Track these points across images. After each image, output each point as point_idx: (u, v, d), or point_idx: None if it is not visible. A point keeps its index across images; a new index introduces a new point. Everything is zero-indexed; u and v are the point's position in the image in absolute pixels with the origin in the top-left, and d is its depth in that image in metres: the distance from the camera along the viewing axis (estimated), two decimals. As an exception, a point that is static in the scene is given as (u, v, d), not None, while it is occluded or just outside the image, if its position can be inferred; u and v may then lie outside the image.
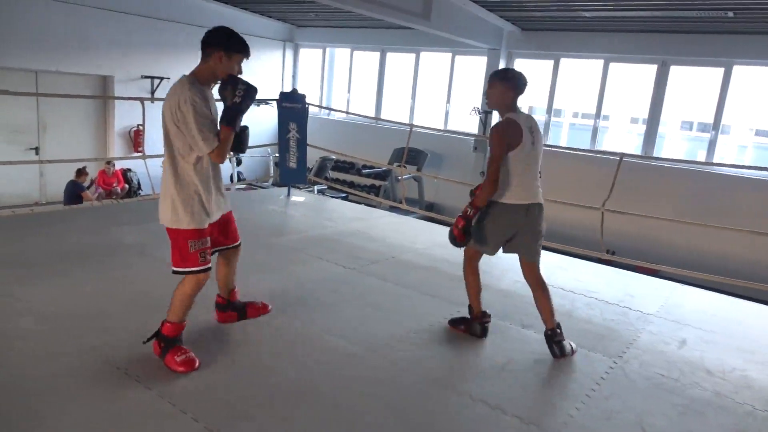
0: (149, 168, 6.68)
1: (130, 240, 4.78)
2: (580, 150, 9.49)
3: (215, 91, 2.80)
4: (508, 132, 3.05)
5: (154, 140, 10.26)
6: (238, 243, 3.16)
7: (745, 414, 2.92)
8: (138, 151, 10.83)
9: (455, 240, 3.21)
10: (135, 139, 11.21)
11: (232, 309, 3.32)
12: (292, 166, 6.82)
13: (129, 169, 11.03)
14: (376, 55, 13.03)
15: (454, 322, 3.55)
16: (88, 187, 9.82)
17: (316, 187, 10.30)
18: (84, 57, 10.34)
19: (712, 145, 9.38)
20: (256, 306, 3.44)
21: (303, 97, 6.77)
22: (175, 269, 2.79)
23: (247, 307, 3.38)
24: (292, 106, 6.73)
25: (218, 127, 2.69)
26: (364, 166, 11.67)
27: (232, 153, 2.92)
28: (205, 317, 3.35)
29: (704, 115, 9.73)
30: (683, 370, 3.32)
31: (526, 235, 3.21)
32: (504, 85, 3.13)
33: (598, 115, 10.40)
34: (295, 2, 11.11)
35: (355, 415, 2.60)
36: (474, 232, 3.22)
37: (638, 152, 9.95)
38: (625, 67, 10.19)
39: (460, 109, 11.86)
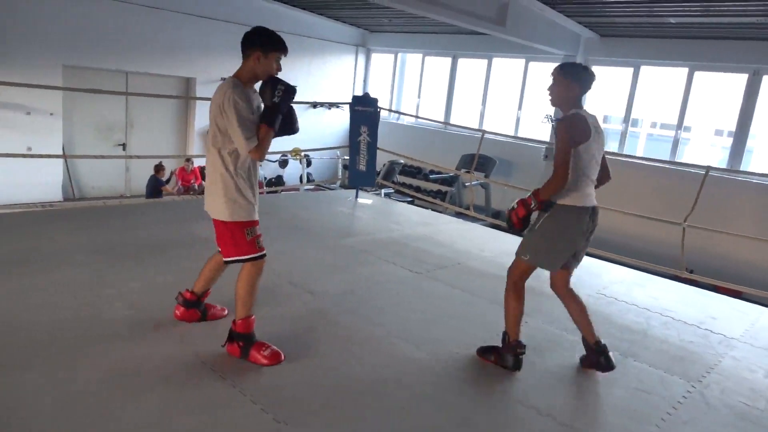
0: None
1: (205, 234, 4.97)
2: (664, 162, 9.05)
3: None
4: (576, 126, 2.85)
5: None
6: None
7: (842, 453, 2.69)
8: (215, 150, 11.30)
9: (512, 226, 3.00)
10: (212, 138, 11.70)
11: (198, 308, 3.21)
12: (362, 168, 6.91)
13: (206, 167, 11.52)
14: (448, 60, 12.99)
15: (484, 351, 3.16)
16: (167, 181, 10.35)
17: (383, 191, 10.37)
18: (170, 60, 10.94)
19: (807, 161, 8.73)
20: (216, 309, 3.31)
21: (375, 101, 6.85)
22: (229, 259, 2.87)
23: (208, 309, 3.27)
24: (364, 110, 6.82)
25: (258, 127, 2.73)
26: (432, 171, 11.65)
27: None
28: (272, 313, 3.44)
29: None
30: (770, 401, 3.10)
31: (585, 242, 2.99)
32: (569, 80, 2.94)
33: (679, 125, 9.90)
34: (369, 8, 11.26)
35: (418, 419, 2.59)
36: (535, 247, 2.94)
37: (723, 166, 9.39)
38: (712, 76, 9.65)
39: (532, 116, 11.62)
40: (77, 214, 5.47)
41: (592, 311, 3.99)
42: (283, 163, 12.21)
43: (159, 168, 10.15)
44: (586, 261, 5.54)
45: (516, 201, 3.00)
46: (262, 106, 2.77)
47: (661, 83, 10.27)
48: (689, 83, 9.70)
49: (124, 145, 10.99)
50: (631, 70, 10.35)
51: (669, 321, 4.13)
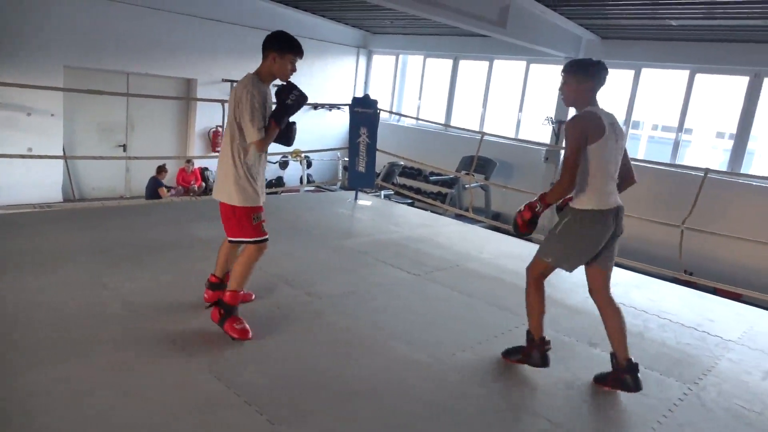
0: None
1: (204, 235, 4.99)
2: (662, 164, 9.03)
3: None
4: (587, 123, 2.69)
5: (231, 141, 10.79)
6: None
7: (838, 457, 2.68)
8: (216, 151, 11.33)
9: (518, 229, 2.96)
10: (213, 140, 11.74)
11: (222, 290, 3.28)
12: (361, 170, 6.91)
13: (207, 168, 11.56)
14: (449, 62, 13.00)
15: (509, 353, 3.16)
16: (169, 189, 10.39)
17: (383, 192, 10.38)
18: (171, 61, 10.95)
19: (808, 164, 8.71)
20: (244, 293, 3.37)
21: (375, 102, 6.85)
22: (234, 239, 3.12)
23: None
24: (363, 111, 6.82)
25: (267, 122, 2.99)
26: (432, 173, 11.65)
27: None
28: (269, 314, 3.45)
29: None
30: (767, 404, 3.09)
31: (613, 242, 2.84)
32: (580, 77, 2.76)
33: (680, 128, 9.90)
34: (371, 9, 11.28)
35: (414, 422, 2.59)
36: (554, 247, 2.89)
37: (724, 168, 9.38)
38: (713, 79, 9.64)
39: (533, 118, 11.62)
40: (77, 215, 5.48)
41: (590, 313, 3.99)
42: (284, 164, 12.23)
43: (161, 169, 10.18)
44: (585, 263, 5.55)
45: (523, 204, 2.95)
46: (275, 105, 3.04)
47: (662, 85, 10.26)
48: (690, 85, 9.69)
49: (124, 146, 11.00)
50: (632, 72, 10.35)
51: (666, 323, 4.13)
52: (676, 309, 4.45)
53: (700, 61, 9.45)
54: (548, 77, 11.38)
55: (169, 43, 10.79)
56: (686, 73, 9.71)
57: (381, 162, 9.09)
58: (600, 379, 3.01)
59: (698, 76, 9.63)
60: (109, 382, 2.58)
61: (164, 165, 10.20)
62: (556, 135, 10.75)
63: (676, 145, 9.95)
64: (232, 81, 11.71)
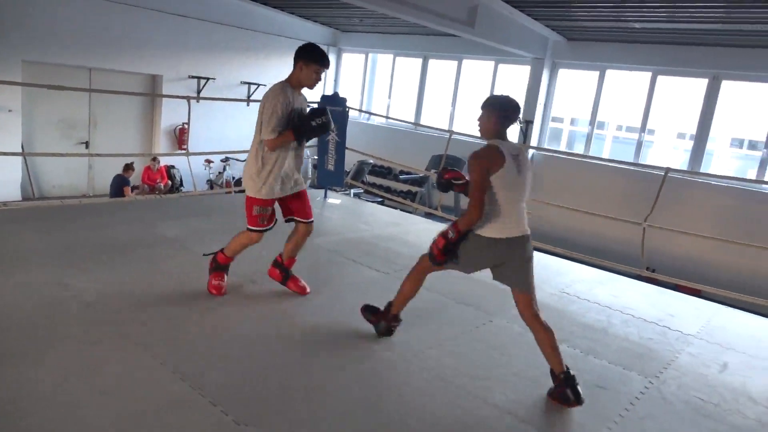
0: (192, 165, 6.86)
1: (170, 234, 4.90)
2: (624, 163, 9.25)
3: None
4: (486, 156, 2.84)
5: (198, 138, 10.61)
6: (309, 220, 3.68)
7: (790, 445, 2.79)
8: (182, 149, 11.13)
9: (434, 259, 3.00)
10: (179, 137, 11.52)
11: (281, 270, 3.83)
12: (330, 168, 6.88)
13: (173, 166, 11.33)
14: (418, 61, 13.05)
15: (367, 310, 3.42)
16: (134, 189, 10.15)
17: (352, 191, 10.35)
18: (136, 56, 10.69)
19: (763, 164, 9.03)
20: (298, 283, 3.85)
21: (344, 100, 6.82)
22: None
23: (291, 278, 3.84)
24: (332, 109, 6.75)
25: (286, 127, 3.33)
26: (402, 172, 11.68)
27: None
28: (236, 313, 3.40)
29: (756, 132, 9.39)
30: (724, 396, 3.20)
31: (512, 266, 2.92)
32: (489, 112, 2.93)
33: (643, 128, 10.15)
34: (340, 8, 11.24)
35: (384, 419, 2.59)
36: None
37: (684, 168, 9.66)
38: (674, 81, 9.92)
39: (501, 118, 11.73)
40: (36, 214, 5.31)
41: (554, 309, 4.07)
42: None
43: (128, 167, 9.94)
44: (550, 260, 5.65)
45: (437, 233, 2.99)
46: (305, 109, 3.46)
47: (626, 87, 10.51)
48: (653, 87, 9.95)
49: (87, 144, 10.70)
50: (597, 73, 10.57)
51: (629, 319, 4.23)
52: (638, 305, 4.56)
53: (661, 63, 9.71)
54: (516, 77, 11.52)
55: (134, 39, 10.52)
56: (648, 74, 9.96)
57: (350, 160, 9.07)
58: (549, 394, 2.97)
59: (660, 78, 9.89)
60: (70, 386, 2.51)
61: (132, 163, 9.97)
62: (524, 135, 10.89)
63: (639, 145, 10.20)
64: (199, 77, 11.52)
